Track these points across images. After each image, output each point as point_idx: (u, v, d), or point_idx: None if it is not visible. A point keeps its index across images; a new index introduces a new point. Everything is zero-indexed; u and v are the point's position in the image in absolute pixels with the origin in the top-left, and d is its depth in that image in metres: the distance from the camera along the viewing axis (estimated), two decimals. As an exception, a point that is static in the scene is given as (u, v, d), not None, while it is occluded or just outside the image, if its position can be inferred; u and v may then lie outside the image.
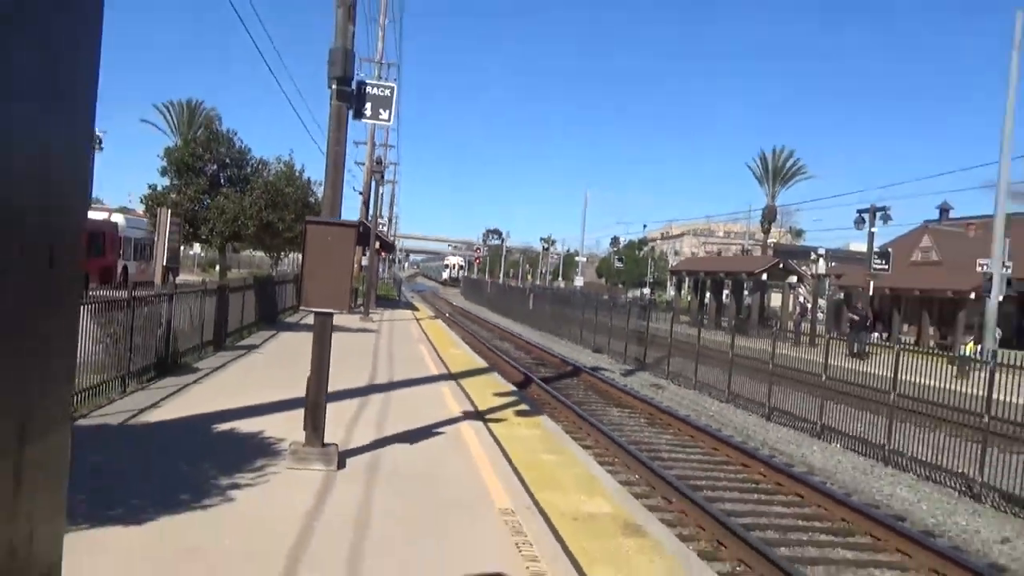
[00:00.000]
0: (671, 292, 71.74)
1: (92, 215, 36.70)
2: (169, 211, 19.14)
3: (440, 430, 11.27)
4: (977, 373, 15.21)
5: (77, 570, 5.31)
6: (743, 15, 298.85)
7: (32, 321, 0.78)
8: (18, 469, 0.76)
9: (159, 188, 32.12)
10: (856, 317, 34.27)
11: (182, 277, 21.67)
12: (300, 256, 10.10)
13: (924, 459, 14.25)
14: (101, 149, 53.05)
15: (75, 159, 0.87)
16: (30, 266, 0.78)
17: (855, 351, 23.95)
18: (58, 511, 0.91)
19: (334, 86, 9.07)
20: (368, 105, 9.56)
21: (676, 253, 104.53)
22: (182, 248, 28.47)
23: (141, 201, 34.77)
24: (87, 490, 6.92)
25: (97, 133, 53.13)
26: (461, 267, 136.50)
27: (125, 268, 36.14)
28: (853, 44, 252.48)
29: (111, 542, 5.94)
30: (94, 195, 64.51)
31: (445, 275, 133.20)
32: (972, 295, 33.88)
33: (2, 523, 0.74)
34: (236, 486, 7.66)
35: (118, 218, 38.35)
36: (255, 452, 8.99)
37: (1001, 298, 26.20)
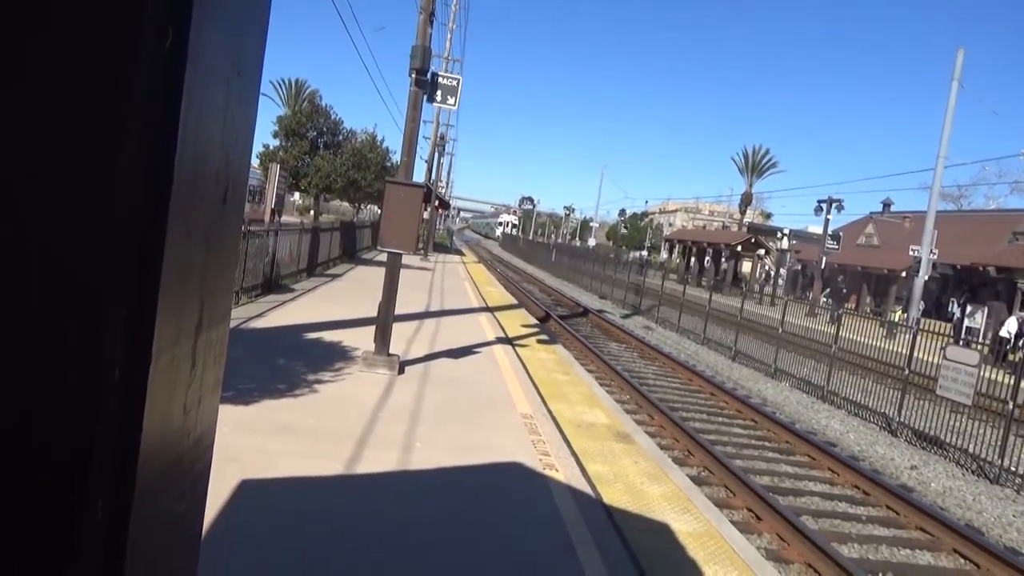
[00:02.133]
0: (664, 255, 71.09)
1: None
2: (278, 166, 19.21)
3: (478, 350, 11.37)
4: (902, 336, 15.04)
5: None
6: (743, 18, 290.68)
7: (212, 241, 0.82)
8: (195, 350, 0.80)
9: (271, 148, 32.27)
10: (832, 291, 33.88)
11: (284, 218, 21.82)
12: (378, 208, 10.12)
13: (855, 400, 14.18)
14: (227, 114, 53.15)
15: (245, 124, 0.89)
16: (212, 203, 0.81)
17: (832, 317, 23.58)
18: (217, 384, 0.96)
19: (413, 75, 9.01)
20: (439, 92, 9.48)
21: (670, 225, 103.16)
22: (286, 195, 28.60)
23: (257, 157, 34.92)
24: (208, 375, 7.09)
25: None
26: (515, 225, 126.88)
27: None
28: (824, 58, 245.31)
29: (228, 415, 6.09)
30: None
31: (499, 232, 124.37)
32: (903, 273, 33.28)
33: (183, 388, 0.78)
34: (320, 381, 7.81)
35: (238, 168, 38.50)
36: (335, 356, 9.13)
37: (926, 277, 25.85)
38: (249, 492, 4.60)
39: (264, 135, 33.12)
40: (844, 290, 32.50)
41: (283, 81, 58.80)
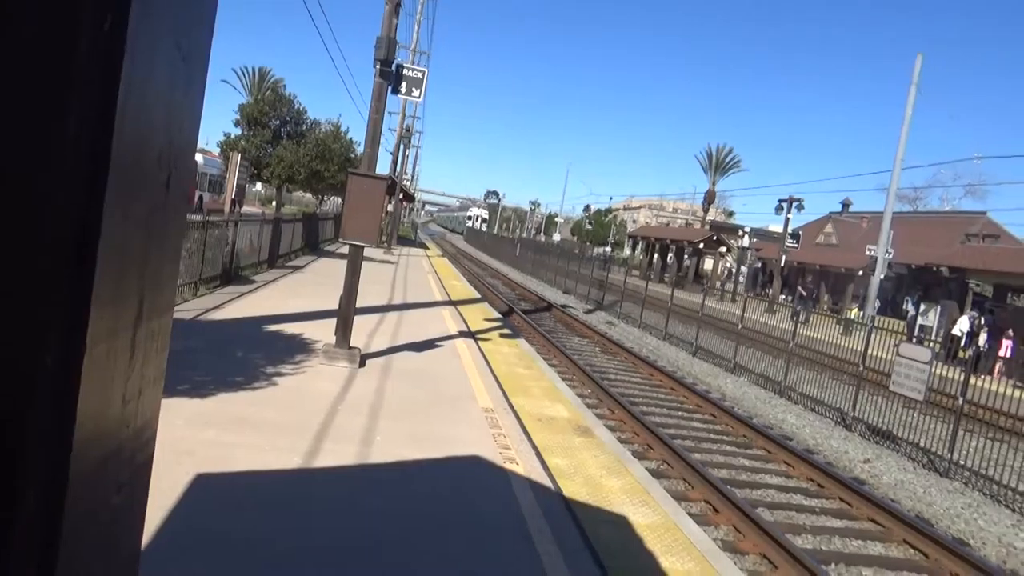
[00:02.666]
0: (628, 252, 71.61)
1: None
2: (239, 155, 18.92)
3: (440, 343, 11.34)
4: (858, 333, 15.39)
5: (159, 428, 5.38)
6: (710, 18, 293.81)
7: (153, 229, 0.80)
8: (134, 341, 0.79)
9: (232, 136, 31.77)
10: (804, 292, 34.28)
11: (245, 208, 21.50)
12: (341, 199, 10.03)
13: (811, 395, 14.47)
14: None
15: (191, 109, 0.88)
16: (154, 189, 0.80)
17: (801, 318, 23.83)
18: (159, 376, 0.95)
19: (378, 66, 8.92)
20: (404, 84, 9.42)
21: (634, 221, 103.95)
22: (247, 185, 28.18)
23: (217, 145, 34.35)
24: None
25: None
26: (484, 219, 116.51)
27: (201, 197, 35.79)
28: (790, 61, 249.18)
29: (182, 409, 6.00)
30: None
31: (468, 225, 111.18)
32: (860, 272, 34.07)
33: (121, 379, 0.76)
34: (279, 374, 7.72)
35: (198, 157, 37.87)
36: (295, 349, 9.04)
37: (882, 276, 26.46)
38: (204, 486, 4.53)
39: (226, 123, 32.67)
40: (815, 292, 32.92)
41: (246, 69, 57.86)
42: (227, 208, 17.00)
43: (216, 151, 36.47)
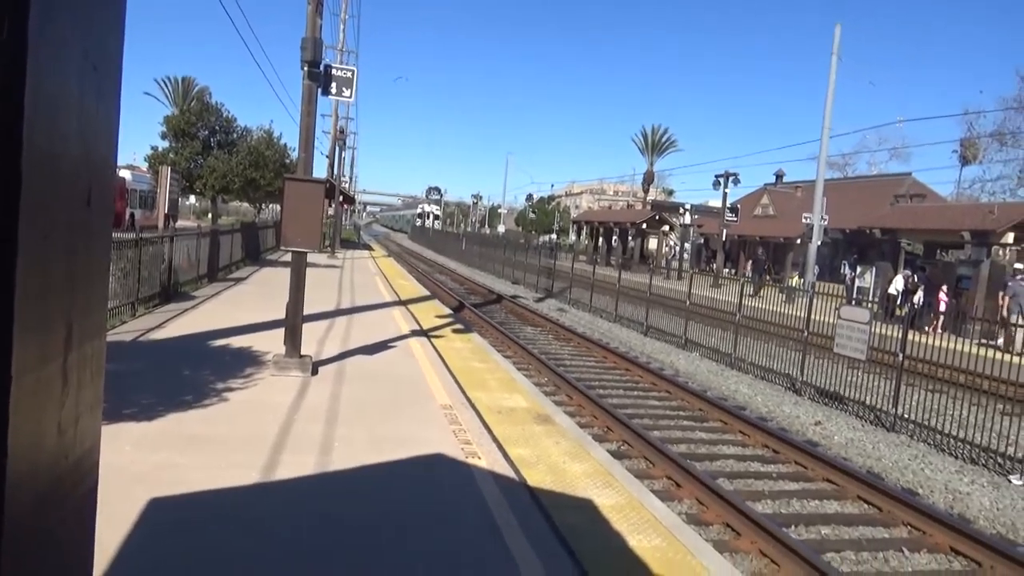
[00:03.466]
0: (573, 237, 72.17)
1: (103, 171, 34.79)
2: (169, 169, 18.40)
3: (393, 344, 11.25)
4: (800, 299, 15.82)
5: (103, 457, 5.19)
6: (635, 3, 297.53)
7: (77, 248, 0.77)
8: (65, 368, 0.75)
9: (160, 150, 30.89)
10: (754, 262, 35.04)
11: (180, 223, 20.92)
12: (279, 207, 9.85)
13: (760, 364, 14.83)
14: (109, 116, 50.36)
15: (107, 120, 0.84)
16: (73, 205, 0.76)
17: (750, 291, 24.12)
18: (96, 402, 0.91)
19: (305, 68, 8.76)
20: (333, 84, 9.27)
21: (577, 207, 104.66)
22: (180, 199, 27.42)
23: (145, 160, 33.34)
24: (107, 394, 6.71)
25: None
26: (437, 216, 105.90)
27: (132, 215, 34.70)
28: (715, 40, 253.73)
29: (129, 433, 5.82)
30: (104, 154, 61.35)
31: (419, 224, 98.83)
32: (798, 240, 34.99)
33: (55, 408, 0.73)
34: (230, 388, 7.55)
35: (125, 173, 36.68)
36: (244, 362, 8.85)
37: (819, 243, 27.24)
38: (159, 510, 4.41)
39: (153, 137, 31.77)
40: (766, 262, 33.51)
41: (169, 79, 56.21)
42: (161, 224, 16.52)
43: (145, 166, 35.40)
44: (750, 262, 28.95)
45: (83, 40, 0.76)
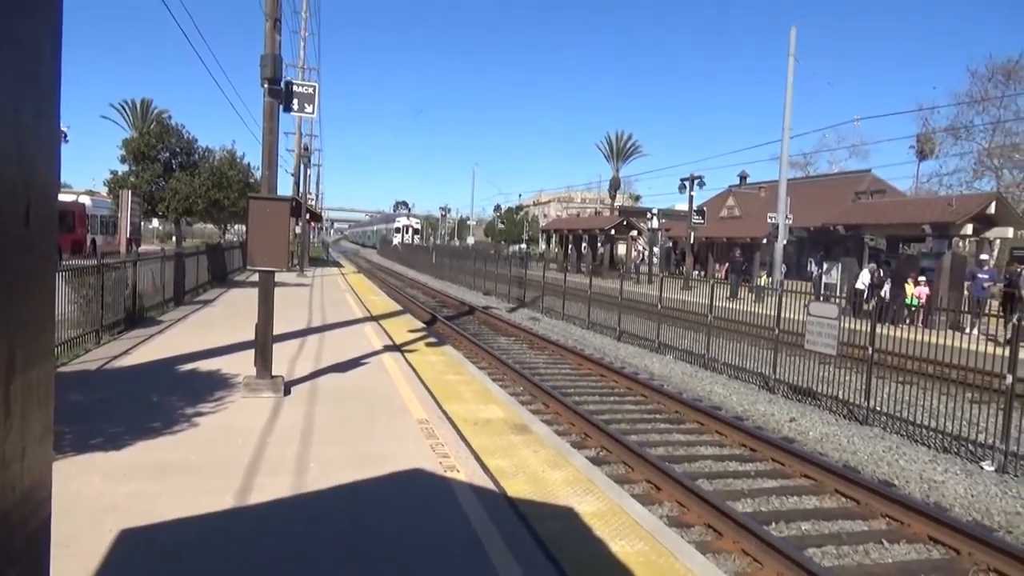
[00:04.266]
0: (543, 246, 72.36)
1: (62, 198, 34.30)
2: (130, 192, 18.11)
3: (366, 360, 11.14)
4: (769, 298, 16.00)
5: (70, 489, 5.06)
6: (592, 9, 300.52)
7: (14, 269, 0.73)
8: (8, 396, 0.71)
9: (120, 173, 30.43)
10: (731, 263, 34.94)
11: (144, 247, 20.56)
12: (245, 227, 9.72)
13: (733, 364, 14.94)
14: (67, 141, 49.44)
15: (46, 139, 0.81)
16: (10, 223, 0.72)
17: (728, 293, 24.08)
18: (46, 433, 0.85)
19: (266, 85, 8.67)
20: (295, 101, 9.18)
21: (545, 216, 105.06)
22: (142, 223, 26.99)
23: (105, 184, 32.81)
24: (72, 424, 6.57)
25: (63, 128, 49.40)
26: (416, 230, 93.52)
27: (94, 241, 34.04)
28: (680, 42, 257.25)
29: (97, 464, 5.66)
30: (63, 181, 60.32)
31: (396, 240, 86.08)
32: (764, 240, 35.45)
33: (-3, 440, 0.69)
34: (200, 413, 7.41)
35: (85, 199, 36.05)
36: (215, 385, 8.69)
37: (784, 242, 27.63)
38: (130, 542, 4.29)
39: (111, 161, 31.25)
40: (746, 263, 33.32)
41: (127, 103, 55.46)
42: (123, 249, 16.23)
43: (105, 191, 34.82)
44: (727, 264, 28.60)
45: (17, 57, 0.72)
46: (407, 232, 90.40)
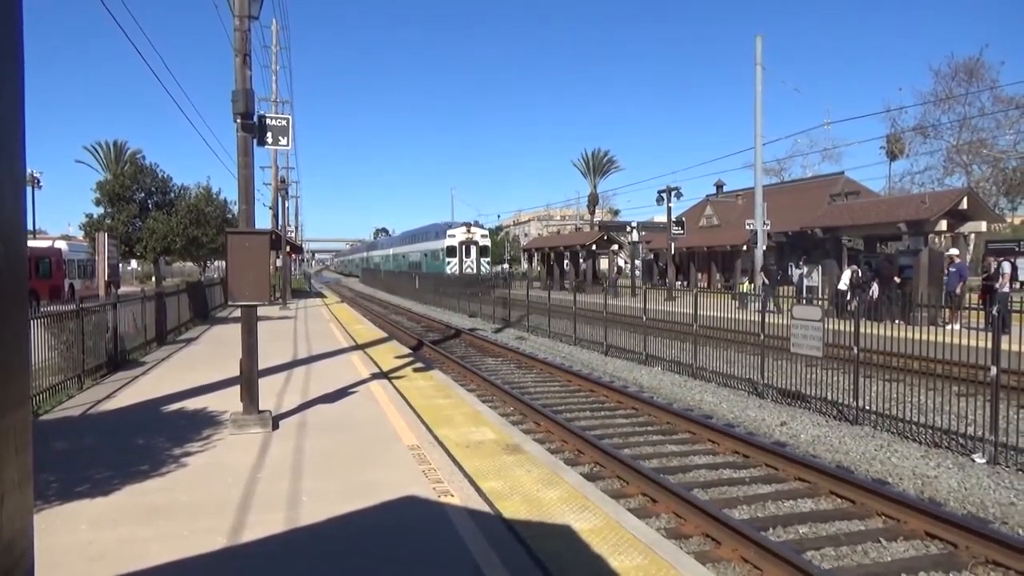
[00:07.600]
0: (525, 265, 72.42)
1: (38, 244, 33.99)
2: (106, 235, 17.94)
3: (354, 389, 11.06)
4: (752, 304, 16.09)
5: (58, 538, 4.96)
6: (564, 28, 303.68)
7: None
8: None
9: (95, 216, 30.21)
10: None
11: (123, 289, 20.36)
12: (224, 263, 9.67)
13: (721, 371, 14.98)
14: (40, 187, 49.04)
15: (10, 179, 0.80)
16: None
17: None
18: (25, 480, 0.84)
19: (238, 120, 8.67)
20: (269, 134, 9.18)
21: (526, 235, 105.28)
22: (120, 265, 26.75)
23: (80, 228, 32.55)
24: (58, 472, 6.46)
25: (35, 174, 48.84)
26: (483, 249, 54.51)
27: (71, 286, 33.72)
28: (654, 54, 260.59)
29: (84, 511, 5.56)
30: (38, 226, 59.71)
31: (450, 268, 53.04)
32: (744, 247, 35.73)
33: (-27, 489, 0.67)
34: (188, 453, 7.31)
35: (61, 244, 35.76)
36: (201, 424, 8.59)
37: (764, 247, 27.86)
38: (122, 589, 4.20)
39: (87, 205, 31.09)
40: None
41: (100, 145, 55.20)
42: (102, 292, 16.04)
43: (81, 235, 34.54)
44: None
45: None
46: (466, 251, 52.91)
